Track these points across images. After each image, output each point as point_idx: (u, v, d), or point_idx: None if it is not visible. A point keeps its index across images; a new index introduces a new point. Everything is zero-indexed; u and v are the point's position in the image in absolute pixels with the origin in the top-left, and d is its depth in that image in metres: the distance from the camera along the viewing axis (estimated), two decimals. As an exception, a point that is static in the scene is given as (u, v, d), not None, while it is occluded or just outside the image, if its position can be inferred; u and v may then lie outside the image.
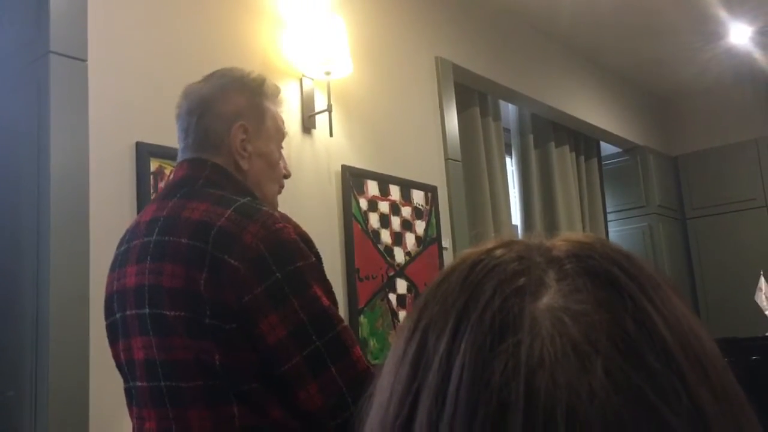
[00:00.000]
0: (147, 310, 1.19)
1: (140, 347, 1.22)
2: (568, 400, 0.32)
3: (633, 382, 0.33)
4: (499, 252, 0.40)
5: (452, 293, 0.38)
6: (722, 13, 3.97)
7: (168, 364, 1.18)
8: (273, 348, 1.13)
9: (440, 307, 0.38)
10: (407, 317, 0.41)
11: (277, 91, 1.41)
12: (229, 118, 1.31)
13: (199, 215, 1.19)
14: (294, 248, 1.17)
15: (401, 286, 2.86)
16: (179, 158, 1.34)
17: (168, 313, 1.16)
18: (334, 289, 2.54)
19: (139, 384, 1.23)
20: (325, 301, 1.17)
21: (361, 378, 1.15)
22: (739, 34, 4.25)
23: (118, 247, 1.34)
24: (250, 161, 1.32)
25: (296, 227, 1.21)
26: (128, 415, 1.30)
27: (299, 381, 1.13)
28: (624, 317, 0.35)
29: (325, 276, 1.23)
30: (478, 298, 0.37)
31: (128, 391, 1.29)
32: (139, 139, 2.08)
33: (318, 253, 1.23)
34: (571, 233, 0.42)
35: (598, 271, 0.38)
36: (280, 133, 1.40)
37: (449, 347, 0.36)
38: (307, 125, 2.64)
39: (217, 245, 1.14)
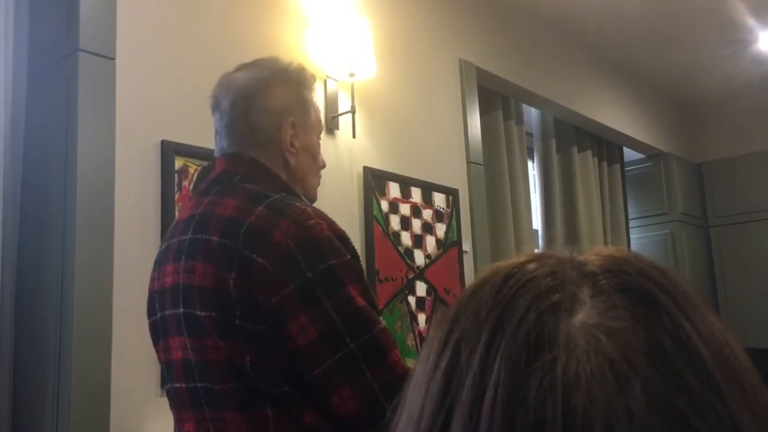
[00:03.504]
0: (181, 310, 1.17)
1: (177, 347, 1.19)
2: (606, 420, 0.32)
3: (673, 403, 0.32)
4: (531, 266, 0.39)
5: (485, 307, 0.38)
6: (750, 21, 3.92)
7: (202, 365, 1.15)
8: (303, 350, 1.08)
9: (473, 321, 0.38)
10: (437, 328, 0.40)
11: (314, 80, 1.37)
12: (279, 114, 1.27)
13: (231, 212, 1.15)
14: (327, 245, 1.11)
15: (421, 288, 2.86)
16: (217, 153, 1.30)
17: (199, 313, 1.13)
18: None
19: (177, 385, 1.21)
20: (360, 301, 1.10)
21: (399, 383, 1.07)
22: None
23: (161, 246, 1.31)
24: (297, 156, 1.29)
25: (331, 224, 1.16)
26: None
27: (332, 385, 1.08)
28: (661, 335, 0.35)
29: (362, 275, 1.17)
30: (512, 313, 0.36)
31: (168, 393, 1.26)
32: (165, 138, 2.10)
33: (354, 250, 1.18)
34: (602, 247, 0.42)
35: (634, 287, 0.37)
36: (320, 125, 1.38)
37: (483, 363, 0.35)
38: (331, 126, 2.65)
39: (247, 243, 1.10)
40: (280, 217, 1.12)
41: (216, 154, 1.30)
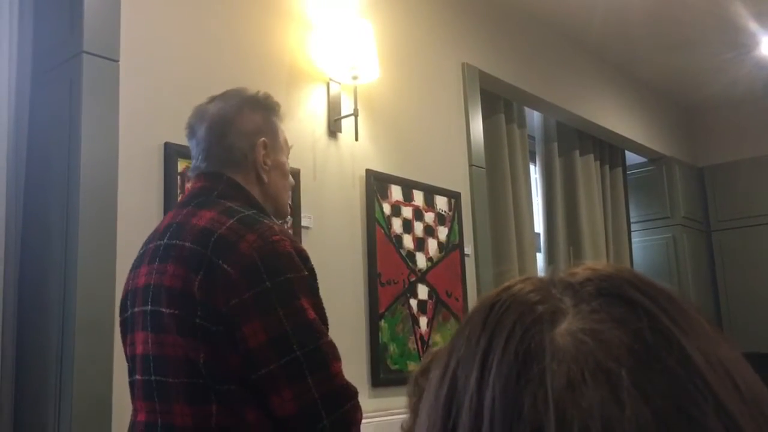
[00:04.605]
0: (149, 307, 1.26)
1: (140, 342, 1.29)
2: (601, 417, 0.33)
3: (659, 388, 0.34)
4: (516, 288, 0.41)
5: (475, 333, 0.40)
6: (753, 26, 3.93)
7: (159, 359, 1.24)
8: (252, 351, 1.18)
9: (466, 348, 0.40)
10: (436, 365, 0.42)
11: (279, 108, 1.50)
12: (252, 135, 1.40)
13: (205, 222, 1.26)
14: (287, 260, 1.23)
15: (422, 291, 2.86)
16: (194, 172, 1.41)
17: (164, 310, 1.23)
18: (355, 293, 2.60)
19: (137, 377, 1.30)
20: (311, 314, 1.22)
21: (337, 392, 1.21)
22: (770, 46, 4.21)
23: (139, 251, 1.42)
24: (269, 174, 1.42)
25: (293, 242, 1.28)
26: None
27: (274, 386, 1.18)
28: (642, 330, 0.36)
29: (316, 291, 1.28)
30: (501, 332, 0.38)
31: (130, 385, 1.35)
32: (168, 140, 2.11)
33: (313, 269, 1.29)
34: (590, 262, 0.43)
35: (611, 291, 0.39)
36: (287, 146, 1.50)
37: (479, 384, 0.37)
38: (333, 129, 2.65)
39: (215, 251, 1.21)
40: (248, 230, 1.23)
41: (192, 173, 1.42)
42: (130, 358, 1.34)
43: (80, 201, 1.87)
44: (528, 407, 0.34)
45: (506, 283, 0.43)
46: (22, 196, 1.99)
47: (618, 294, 0.39)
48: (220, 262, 1.19)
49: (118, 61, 2.03)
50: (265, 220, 1.28)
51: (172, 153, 2.11)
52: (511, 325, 0.38)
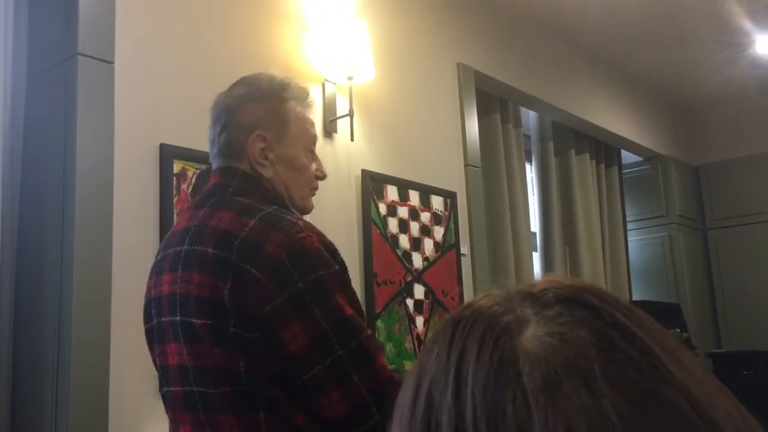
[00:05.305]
0: (178, 318, 1.21)
1: (174, 353, 1.24)
2: (582, 411, 0.35)
3: (627, 375, 0.37)
4: (478, 304, 0.44)
5: (444, 351, 0.41)
6: (747, 24, 3.94)
7: (198, 370, 1.19)
8: (295, 356, 1.13)
9: (437, 366, 0.41)
10: (404, 390, 0.43)
11: (304, 94, 1.39)
12: (248, 128, 1.32)
13: (225, 225, 1.20)
14: (317, 257, 1.17)
15: (419, 291, 2.87)
16: (212, 166, 1.36)
17: (196, 321, 1.18)
18: (353, 294, 2.41)
19: (173, 389, 1.25)
20: (348, 310, 1.16)
21: (385, 387, 1.15)
22: (765, 45, 4.22)
23: (156, 256, 1.36)
24: (274, 168, 1.33)
25: (320, 236, 1.21)
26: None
27: (321, 389, 1.13)
28: (602, 327, 0.40)
29: (349, 285, 1.22)
30: (472, 345, 0.40)
31: (163, 396, 1.30)
32: (164, 141, 2.11)
33: (343, 261, 1.23)
34: (548, 275, 0.46)
35: (569, 296, 0.42)
36: (307, 137, 1.38)
37: (455, 396, 0.39)
38: (329, 129, 2.66)
39: (241, 255, 1.15)
40: (272, 230, 1.17)
41: (212, 167, 1.36)
42: (161, 368, 1.29)
43: (76, 203, 1.87)
44: (511, 409, 0.36)
45: (467, 302, 0.45)
46: (17, 197, 1.99)
47: (577, 299, 0.42)
48: (248, 267, 1.14)
49: (113, 62, 2.03)
50: (288, 216, 1.21)
51: (167, 154, 2.11)
52: (481, 336, 0.40)
